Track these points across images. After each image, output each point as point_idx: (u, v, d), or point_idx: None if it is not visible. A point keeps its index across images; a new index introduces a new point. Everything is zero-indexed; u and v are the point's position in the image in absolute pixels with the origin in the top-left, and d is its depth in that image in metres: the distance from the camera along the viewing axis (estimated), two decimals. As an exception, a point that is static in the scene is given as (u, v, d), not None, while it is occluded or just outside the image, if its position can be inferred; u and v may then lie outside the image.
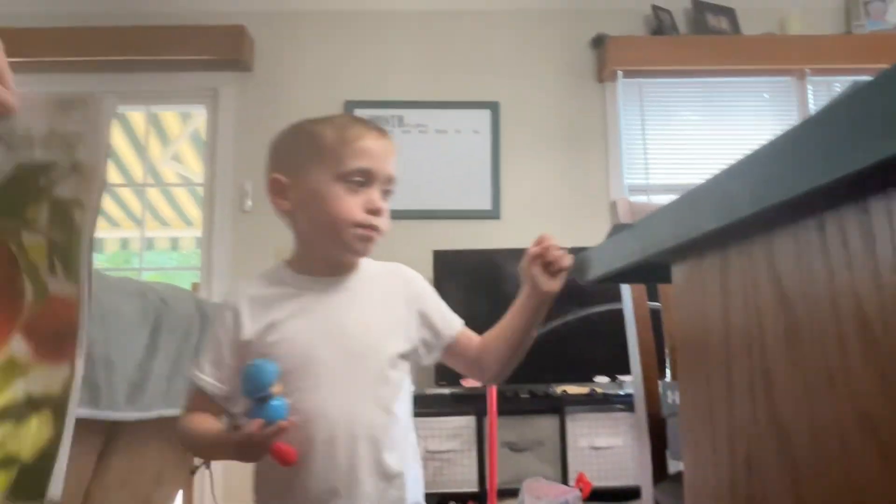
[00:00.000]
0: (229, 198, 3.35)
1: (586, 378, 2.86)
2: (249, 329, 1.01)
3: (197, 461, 1.92)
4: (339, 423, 0.98)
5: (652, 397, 1.33)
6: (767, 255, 0.48)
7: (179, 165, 4.30)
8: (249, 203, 3.31)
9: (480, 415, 2.57)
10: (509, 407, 2.59)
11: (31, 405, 0.55)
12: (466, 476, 2.56)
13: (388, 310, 1.08)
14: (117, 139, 3.91)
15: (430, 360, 1.13)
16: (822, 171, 0.35)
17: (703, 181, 0.50)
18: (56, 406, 0.56)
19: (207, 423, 1.00)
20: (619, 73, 3.39)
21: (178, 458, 1.51)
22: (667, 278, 0.68)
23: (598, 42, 3.43)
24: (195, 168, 4.16)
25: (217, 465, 2.47)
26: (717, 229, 0.48)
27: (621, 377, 2.83)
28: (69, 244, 0.56)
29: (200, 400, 1.03)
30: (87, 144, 0.56)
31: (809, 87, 3.47)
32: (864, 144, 0.32)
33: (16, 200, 0.55)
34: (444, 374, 2.80)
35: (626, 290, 1.42)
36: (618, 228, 0.82)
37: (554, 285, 1.04)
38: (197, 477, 2.33)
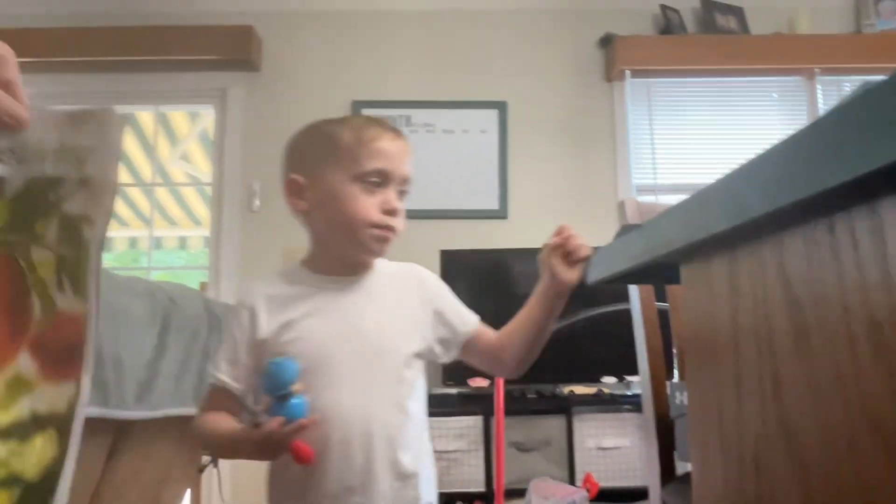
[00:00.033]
0: (237, 197, 3.36)
1: (594, 378, 2.86)
2: (265, 328, 1.02)
3: (205, 460, 1.92)
4: (355, 422, 0.99)
5: (660, 398, 1.33)
6: (777, 257, 0.48)
7: (188, 165, 4.32)
8: (257, 203, 3.32)
9: (487, 415, 2.57)
10: (516, 407, 2.59)
11: (36, 423, 0.54)
12: (473, 476, 2.57)
13: (403, 309, 1.09)
14: (126, 139, 3.92)
15: (447, 357, 1.13)
16: (833, 173, 0.35)
17: (712, 181, 0.50)
18: (61, 425, 0.55)
19: (225, 422, 1.01)
20: (628, 72, 3.38)
21: (186, 457, 1.51)
22: (675, 279, 0.68)
23: (606, 41, 3.43)
24: (203, 167, 4.18)
25: (224, 464, 2.48)
26: (726, 230, 0.48)
27: (629, 377, 2.82)
28: (77, 260, 0.56)
29: (217, 399, 1.04)
30: (96, 160, 0.56)
31: (819, 86, 3.46)
32: (875, 146, 0.32)
33: (26, 215, 0.55)
34: (452, 373, 2.80)
35: (633, 290, 1.42)
36: (626, 229, 0.82)
37: (572, 275, 1.04)
38: (205, 476, 2.34)
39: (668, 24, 3.43)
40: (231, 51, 3.33)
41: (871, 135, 0.32)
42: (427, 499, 1.05)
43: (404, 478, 1.01)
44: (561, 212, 3.31)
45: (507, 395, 2.38)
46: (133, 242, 4.81)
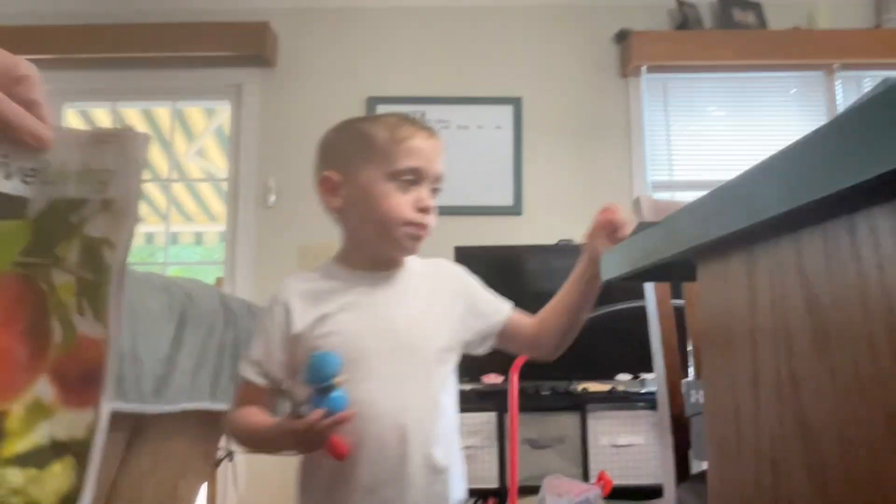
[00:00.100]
0: (253, 193, 3.38)
1: (608, 375, 2.85)
2: (300, 322, 1.03)
3: (220, 454, 1.94)
4: (389, 415, 0.99)
5: (675, 396, 1.32)
6: (796, 256, 0.48)
7: (204, 160, 4.34)
8: (273, 198, 3.34)
9: (501, 411, 2.56)
10: (530, 404, 2.58)
11: (54, 450, 0.53)
12: (487, 472, 2.57)
13: (435, 304, 1.10)
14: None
15: (484, 348, 1.14)
16: (854, 171, 0.34)
17: (729, 178, 0.50)
18: (79, 452, 0.54)
19: (260, 416, 1.02)
20: (643, 68, 3.36)
21: (202, 451, 1.52)
22: (691, 276, 0.67)
23: (622, 37, 3.41)
24: (219, 163, 4.20)
25: (239, 459, 2.49)
26: (744, 228, 0.47)
27: (643, 375, 2.81)
28: (98, 284, 0.55)
29: (250, 394, 1.05)
30: (119, 182, 0.55)
31: (838, 82, 3.42)
32: (896, 144, 0.31)
33: (48, 237, 0.54)
34: (465, 370, 2.80)
35: (649, 287, 1.41)
36: (643, 226, 0.82)
37: None
38: (220, 469, 2.36)
39: (685, 20, 3.40)
40: (247, 47, 3.35)
41: (893, 132, 0.32)
42: (457, 494, 1.05)
43: (436, 472, 1.02)
44: (575, 208, 3.29)
45: (521, 391, 2.37)
46: (149, 238, 4.84)
